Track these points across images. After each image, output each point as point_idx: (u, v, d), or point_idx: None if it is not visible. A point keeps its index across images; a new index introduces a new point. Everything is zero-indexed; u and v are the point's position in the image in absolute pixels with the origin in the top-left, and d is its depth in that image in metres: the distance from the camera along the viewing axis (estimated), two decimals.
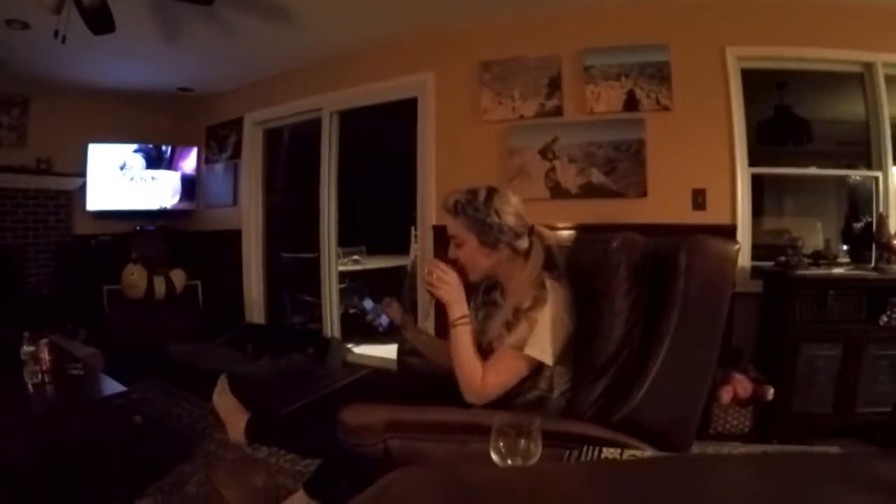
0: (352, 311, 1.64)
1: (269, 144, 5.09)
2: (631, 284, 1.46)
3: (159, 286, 4.54)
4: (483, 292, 1.74)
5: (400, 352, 2.17)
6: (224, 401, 1.83)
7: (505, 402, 1.47)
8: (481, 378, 1.43)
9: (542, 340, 1.41)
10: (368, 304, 1.60)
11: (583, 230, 3.07)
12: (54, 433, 1.94)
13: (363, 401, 1.41)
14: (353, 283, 5.09)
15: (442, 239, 3.77)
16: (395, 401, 1.47)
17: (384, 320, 1.59)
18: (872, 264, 2.91)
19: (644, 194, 3.24)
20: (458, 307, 1.49)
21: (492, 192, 1.53)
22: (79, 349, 3.38)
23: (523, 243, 1.54)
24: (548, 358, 1.43)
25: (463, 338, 1.48)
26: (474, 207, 1.51)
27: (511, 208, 1.53)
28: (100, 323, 4.43)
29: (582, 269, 1.66)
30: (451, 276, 1.50)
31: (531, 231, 1.56)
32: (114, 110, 5.12)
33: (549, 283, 1.48)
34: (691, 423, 1.45)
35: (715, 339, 1.41)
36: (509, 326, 1.46)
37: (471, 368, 1.44)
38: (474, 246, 1.53)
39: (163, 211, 5.27)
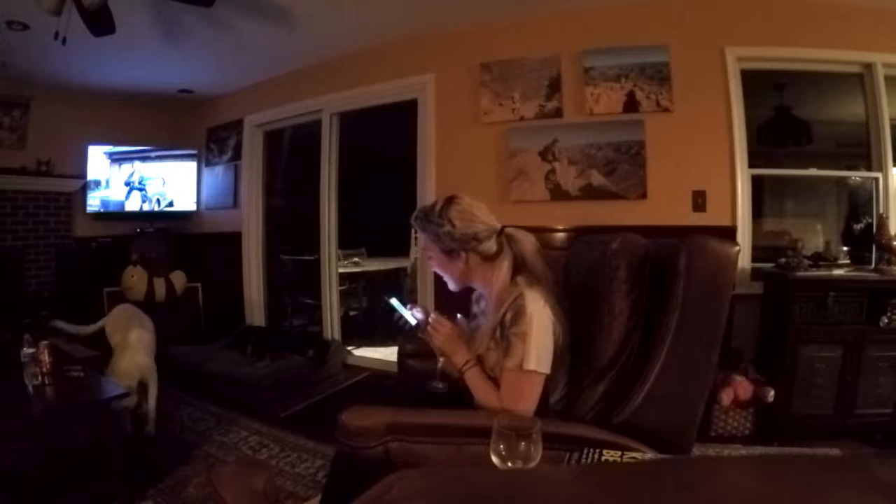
0: (383, 305, 1.66)
1: (270, 146, 5.10)
2: (630, 286, 1.46)
3: (159, 288, 4.54)
4: (474, 303, 1.74)
5: (400, 354, 2.17)
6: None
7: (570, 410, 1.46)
8: (500, 410, 1.39)
9: (537, 351, 1.38)
10: (397, 302, 1.61)
11: (583, 232, 3.07)
12: (55, 435, 1.94)
13: (363, 403, 1.40)
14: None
15: None
16: (396, 403, 1.47)
17: (412, 319, 1.61)
18: (873, 266, 2.91)
19: (644, 196, 3.24)
20: (458, 355, 1.50)
21: (449, 201, 1.53)
22: (79, 351, 3.38)
23: (489, 247, 1.51)
24: (545, 368, 1.41)
25: (474, 381, 1.47)
26: (429, 220, 1.53)
27: (469, 216, 1.51)
28: None
29: (581, 270, 1.66)
30: (444, 327, 1.51)
31: (500, 233, 1.53)
32: (114, 112, 5.12)
33: (524, 288, 1.43)
34: (692, 426, 1.44)
35: (715, 340, 1.41)
36: (505, 350, 1.42)
37: (491, 406, 1.42)
38: (439, 256, 1.55)
39: (163, 213, 5.27)
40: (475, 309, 1.72)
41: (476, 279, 1.57)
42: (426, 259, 1.60)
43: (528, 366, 1.37)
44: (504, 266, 1.50)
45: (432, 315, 1.55)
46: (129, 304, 3.53)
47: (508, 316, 1.42)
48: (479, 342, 1.54)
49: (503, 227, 1.55)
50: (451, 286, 1.62)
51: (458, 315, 1.57)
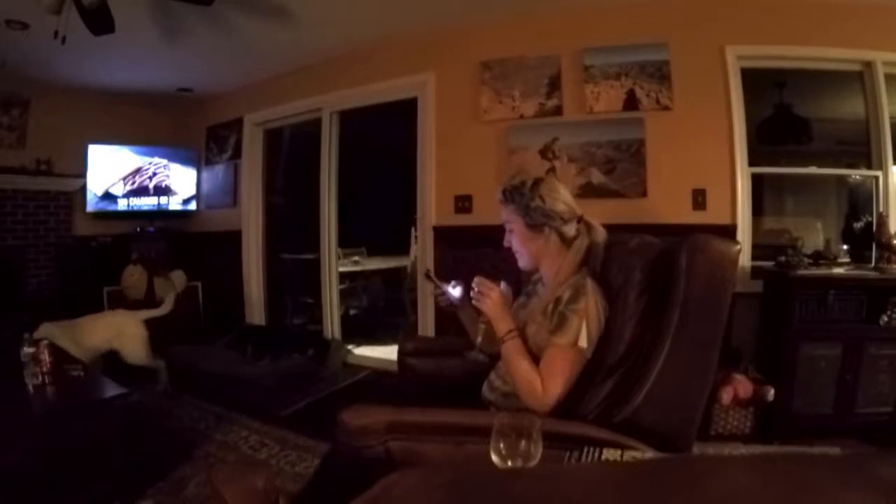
0: (425, 276, 1.72)
1: (269, 145, 5.09)
2: (644, 287, 1.46)
3: (160, 287, 4.54)
4: (529, 283, 1.76)
5: (400, 353, 2.17)
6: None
7: (574, 409, 1.46)
8: (541, 384, 1.40)
9: (590, 332, 1.42)
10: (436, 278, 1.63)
11: None
12: (54, 434, 1.94)
13: (364, 402, 1.40)
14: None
15: (442, 240, 3.80)
16: (396, 402, 1.47)
17: (452, 296, 1.62)
18: (872, 264, 2.90)
19: (644, 194, 3.24)
20: (504, 323, 1.50)
21: (538, 180, 1.59)
22: None
23: (570, 230, 1.56)
24: (590, 353, 1.43)
25: (514, 351, 1.47)
26: (521, 193, 1.57)
27: (557, 195, 1.57)
28: None
29: (597, 268, 1.65)
30: (494, 292, 1.52)
31: (580, 220, 1.58)
32: (114, 111, 5.12)
33: (588, 277, 1.49)
34: (692, 424, 1.44)
35: (715, 339, 1.41)
36: (557, 325, 1.44)
37: (529, 379, 1.42)
38: (522, 230, 1.59)
39: (163, 212, 5.28)
40: (527, 288, 1.75)
41: (548, 260, 1.60)
42: (508, 231, 1.64)
43: (582, 342, 1.40)
44: (578, 252, 1.55)
45: (477, 278, 1.56)
46: (104, 314, 3.53)
47: (567, 294, 1.46)
48: (524, 314, 1.58)
49: (582, 215, 1.59)
50: (523, 263, 1.65)
51: (503, 282, 1.60)
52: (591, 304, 1.43)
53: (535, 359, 1.46)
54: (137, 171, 5.12)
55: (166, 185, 5.26)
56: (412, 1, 3.33)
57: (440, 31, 3.72)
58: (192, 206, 5.39)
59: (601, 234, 1.59)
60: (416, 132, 3.93)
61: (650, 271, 1.47)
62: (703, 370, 1.42)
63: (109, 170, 4.99)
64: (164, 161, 5.25)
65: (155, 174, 5.21)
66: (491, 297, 1.51)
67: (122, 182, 5.06)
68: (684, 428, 1.43)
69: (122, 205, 5.07)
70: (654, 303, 1.46)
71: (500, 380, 1.60)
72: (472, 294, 1.54)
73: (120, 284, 4.48)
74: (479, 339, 1.67)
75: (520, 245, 1.61)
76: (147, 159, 5.16)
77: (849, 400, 2.65)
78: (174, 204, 5.32)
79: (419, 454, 1.30)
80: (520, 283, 1.86)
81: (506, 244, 1.65)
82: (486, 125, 3.61)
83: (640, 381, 1.39)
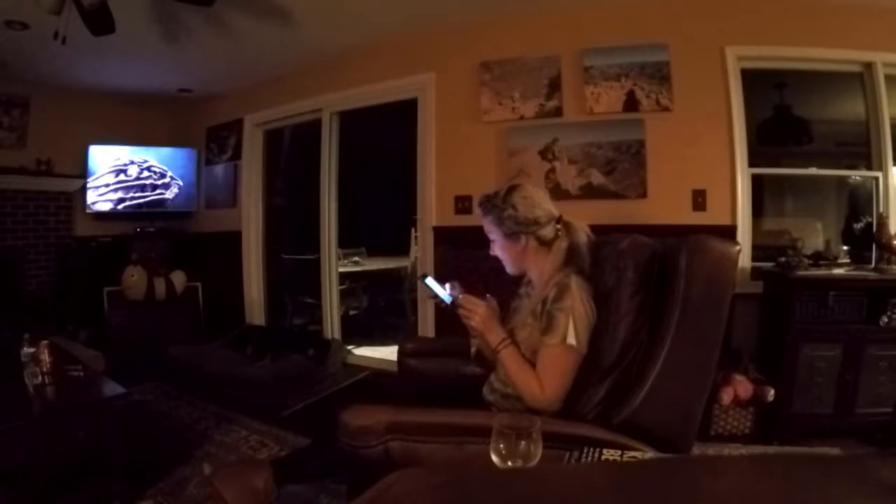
0: (420, 279, 1.71)
1: (270, 145, 5.10)
2: (637, 287, 1.46)
3: (159, 287, 4.54)
4: (523, 285, 1.78)
5: (400, 353, 2.17)
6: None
7: (572, 410, 1.47)
8: (540, 386, 1.42)
9: (579, 329, 1.42)
10: (432, 281, 1.63)
11: None
12: (55, 435, 1.94)
13: (364, 402, 1.41)
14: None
15: (442, 240, 3.79)
16: (396, 402, 1.47)
17: (448, 298, 1.62)
18: (873, 265, 2.90)
19: (644, 195, 3.23)
20: (494, 334, 1.52)
21: (511, 188, 1.61)
22: (79, 351, 3.38)
23: (548, 232, 1.58)
24: (583, 349, 1.44)
25: (510, 359, 1.49)
26: (493, 204, 1.60)
27: (531, 200, 1.58)
28: (100, 324, 4.44)
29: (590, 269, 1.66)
30: (481, 308, 1.53)
31: (558, 221, 1.60)
32: (114, 111, 5.13)
33: (572, 275, 1.50)
34: (692, 425, 1.45)
35: (715, 340, 1.41)
36: (546, 326, 1.45)
37: (528, 383, 1.44)
38: (501, 239, 1.62)
39: (163, 212, 5.28)
40: (521, 290, 1.77)
41: (530, 263, 1.62)
42: (491, 242, 1.66)
43: (570, 340, 1.41)
44: (558, 252, 1.57)
45: (461, 296, 1.57)
46: None
47: (552, 293, 1.48)
48: (516, 318, 1.59)
49: (561, 216, 1.61)
50: (509, 269, 1.67)
51: (487, 295, 1.61)
52: (577, 300, 1.44)
53: (532, 362, 1.47)
54: (133, 170, 5.11)
55: (161, 185, 5.25)
56: (412, 1, 3.34)
57: (440, 31, 3.72)
58: (192, 206, 5.38)
59: (582, 233, 1.60)
60: (416, 133, 3.93)
61: (643, 271, 1.47)
62: (703, 371, 1.43)
63: (108, 170, 4.98)
64: (165, 161, 5.24)
65: (151, 174, 5.19)
66: (478, 312, 1.53)
67: (117, 182, 5.05)
68: (684, 428, 1.44)
69: (116, 205, 5.05)
70: (648, 302, 1.46)
71: (499, 381, 1.61)
72: (459, 312, 1.56)
73: (120, 285, 4.48)
74: (473, 351, 1.68)
75: (502, 253, 1.64)
76: (144, 158, 5.16)
77: (849, 400, 2.65)
78: (174, 204, 5.31)
79: (419, 454, 1.30)
80: (517, 285, 1.87)
81: (491, 252, 1.68)
82: (486, 126, 3.60)
83: (640, 381, 1.40)
